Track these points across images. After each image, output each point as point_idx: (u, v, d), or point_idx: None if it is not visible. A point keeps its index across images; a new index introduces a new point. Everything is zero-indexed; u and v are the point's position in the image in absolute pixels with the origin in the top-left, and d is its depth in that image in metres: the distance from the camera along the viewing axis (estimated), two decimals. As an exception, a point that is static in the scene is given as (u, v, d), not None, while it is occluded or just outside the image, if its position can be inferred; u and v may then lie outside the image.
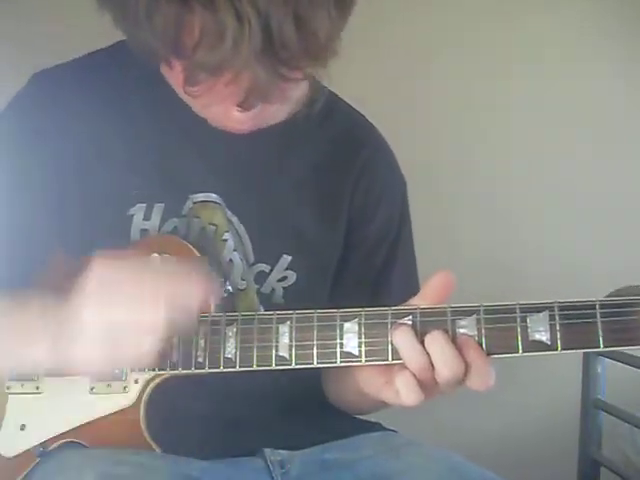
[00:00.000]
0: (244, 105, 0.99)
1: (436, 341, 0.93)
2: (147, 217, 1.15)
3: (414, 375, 0.94)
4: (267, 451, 1.14)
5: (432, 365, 0.93)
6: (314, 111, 1.20)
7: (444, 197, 2.19)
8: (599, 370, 1.70)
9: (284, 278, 1.21)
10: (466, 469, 1.09)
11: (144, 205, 1.15)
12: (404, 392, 0.95)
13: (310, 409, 1.22)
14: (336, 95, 1.30)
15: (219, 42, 0.87)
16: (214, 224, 1.18)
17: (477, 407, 2.19)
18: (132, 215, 1.15)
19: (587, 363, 1.71)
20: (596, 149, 2.28)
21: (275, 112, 1.08)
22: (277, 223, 1.21)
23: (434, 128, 2.22)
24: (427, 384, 0.95)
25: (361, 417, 1.29)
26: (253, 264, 1.19)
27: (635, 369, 1.59)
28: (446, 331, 0.94)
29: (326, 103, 1.25)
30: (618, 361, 1.64)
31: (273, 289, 1.20)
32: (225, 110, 1.02)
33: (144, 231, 1.15)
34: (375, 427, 1.24)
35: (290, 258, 1.20)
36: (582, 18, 2.29)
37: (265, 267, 1.20)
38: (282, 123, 1.15)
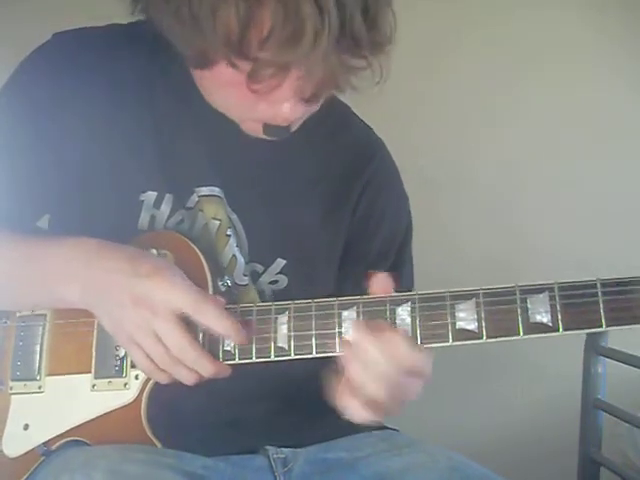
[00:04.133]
0: (314, 98, 0.98)
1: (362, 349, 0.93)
2: (157, 205, 1.15)
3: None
4: (270, 449, 1.14)
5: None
6: (327, 122, 1.21)
7: (445, 197, 2.20)
8: (599, 370, 1.69)
9: (275, 281, 1.20)
10: (467, 468, 1.10)
11: (155, 193, 1.15)
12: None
13: (311, 407, 1.22)
14: (348, 107, 1.30)
15: (297, 36, 0.86)
16: (218, 219, 1.17)
17: (477, 407, 2.20)
18: (142, 201, 1.15)
19: (587, 363, 1.70)
20: (596, 149, 2.29)
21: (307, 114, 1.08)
22: (276, 226, 1.20)
23: (435, 128, 2.23)
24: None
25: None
26: (247, 262, 1.19)
27: (635, 369, 1.59)
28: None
29: (338, 115, 1.25)
30: (618, 361, 1.64)
31: (263, 290, 1.20)
32: (267, 110, 1.01)
33: (153, 218, 1.15)
34: (377, 426, 1.23)
35: (284, 262, 1.20)
36: (582, 18, 2.30)
37: (258, 267, 1.20)
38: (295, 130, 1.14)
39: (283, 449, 1.15)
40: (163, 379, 1.03)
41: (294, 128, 1.07)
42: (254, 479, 1.10)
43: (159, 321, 0.98)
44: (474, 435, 2.13)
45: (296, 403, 1.20)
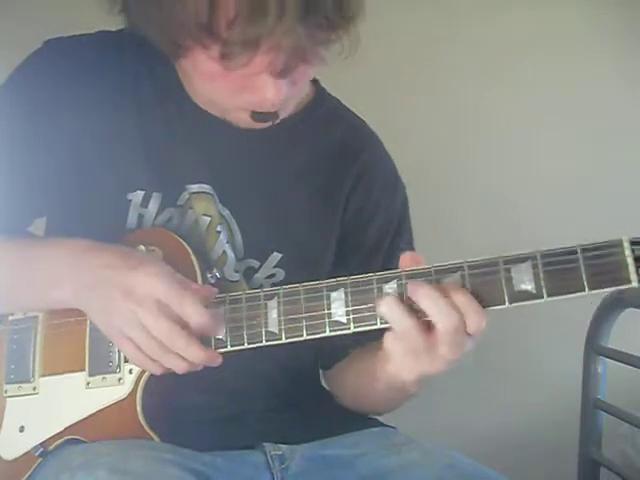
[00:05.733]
0: (285, 71, 0.99)
1: (427, 297, 0.93)
2: (145, 204, 1.16)
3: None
4: (267, 445, 1.13)
5: (427, 327, 0.93)
6: (317, 114, 1.21)
7: (445, 195, 2.20)
8: (599, 370, 1.69)
9: (272, 275, 1.21)
10: (465, 465, 1.09)
11: (142, 192, 1.16)
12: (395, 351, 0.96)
13: (308, 404, 1.23)
14: (338, 101, 1.31)
15: (261, 13, 0.88)
16: (209, 215, 1.18)
17: (477, 406, 2.19)
18: (130, 200, 1.16)
19: (587, 363, 1.70)
20: (596, 148, 2.29)
21: (294, 100, 1.09)
22: (269, 220, 1.21)
23: (434, 126, 2.23)
24: (427, 348, 0.95)
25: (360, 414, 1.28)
26: (242, 259, 1.19)
27: (635, 369, 1.58)
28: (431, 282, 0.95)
29: (328, 108, 1.26)
30: (618, 361, 1.64)
31: (261, 285, 1.20)
32: (252, 96, 1.02)
33: (141, 216, 1.16)
34: (374, 423, 1.24)
35: (280, 256, 1.20)
36: (582, 17, 2.31)
37: (254, 263, 1.20)
38: (283, 123, 1.15)
39: (280, 446, 1.14)
40: (156, 370, 1.03)
41: (282, 115, 1.09)
42: (251, 476, 1.09)
43: (144, 312, 0.99)
44: (474, 435, 2.12)
45: (294, 400, 1.21)
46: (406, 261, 0.98)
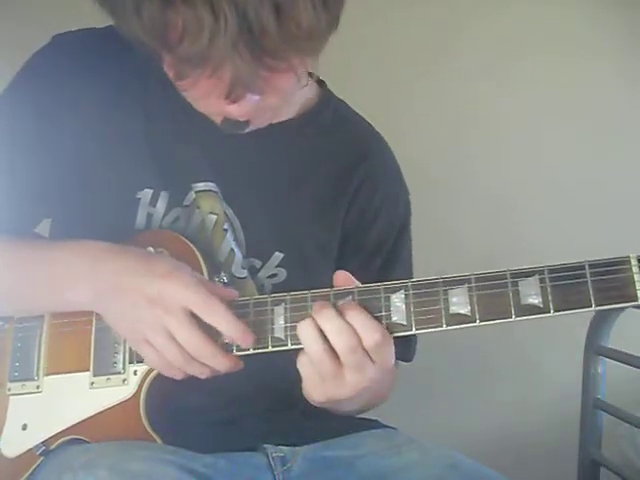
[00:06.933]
0: (231, 97, 0.97)
1: (325, 317, 0.95)
2: (153, 203, 1.16)
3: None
4: (269, 447, 1.14)
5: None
6: (321, 117, 1.21)
7: (444, 197, 2.20)
8: (599, 370, 1.69)
9: (274, 275, 1.21)
10: (466, 466, 1.10)
11: (151, 191, 1.16)
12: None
13: (309, 406, 1.22)
14: (345, 103, 1.31)
15: (198, 37, 0.87)
16: (215, 213, 1.18)
17: (477, 406, 2.19)
18: (139, 199, 1.16)
19: (587, 363, 1.70)
20: (596, 149, 2.29)
21: (275, 110, 1.08)
22: (272, 220, 1.21)
23: (434, 127, 2.24)
24: (333, 374, 0.97)
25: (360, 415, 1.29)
26: (245, 257, 1.20)
27: (635, 369, 1.58)
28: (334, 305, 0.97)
29: (334, 111, 1.26)
30: (618, 361, 1.64)
31: (262, 285, 1.21)
32: (218, 105, 1.01)
33: (149, 215, 1.16)
34: (375, 424, 1.24)
35: (282, 256, 1.21)
36: (582, 17, 2.31)
37: (256, 262, 1.21)
38: (288, 125, 1.16)
39: (282, 447, 1.14)
40: (177, 376, 1.04)
41: (257, 125, 1.08)
42: (253, 477, 1.09)
43: (172, 320, 0.99)
44: (474, 435, 2.13)
45: (295, 401, 1.20)
46: (339, 280, 1.00)
